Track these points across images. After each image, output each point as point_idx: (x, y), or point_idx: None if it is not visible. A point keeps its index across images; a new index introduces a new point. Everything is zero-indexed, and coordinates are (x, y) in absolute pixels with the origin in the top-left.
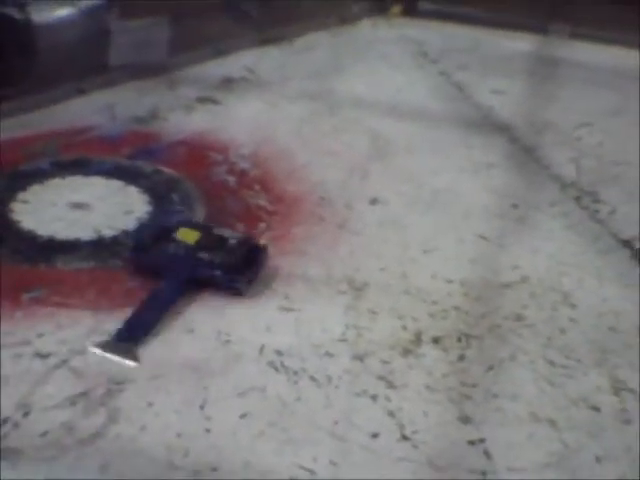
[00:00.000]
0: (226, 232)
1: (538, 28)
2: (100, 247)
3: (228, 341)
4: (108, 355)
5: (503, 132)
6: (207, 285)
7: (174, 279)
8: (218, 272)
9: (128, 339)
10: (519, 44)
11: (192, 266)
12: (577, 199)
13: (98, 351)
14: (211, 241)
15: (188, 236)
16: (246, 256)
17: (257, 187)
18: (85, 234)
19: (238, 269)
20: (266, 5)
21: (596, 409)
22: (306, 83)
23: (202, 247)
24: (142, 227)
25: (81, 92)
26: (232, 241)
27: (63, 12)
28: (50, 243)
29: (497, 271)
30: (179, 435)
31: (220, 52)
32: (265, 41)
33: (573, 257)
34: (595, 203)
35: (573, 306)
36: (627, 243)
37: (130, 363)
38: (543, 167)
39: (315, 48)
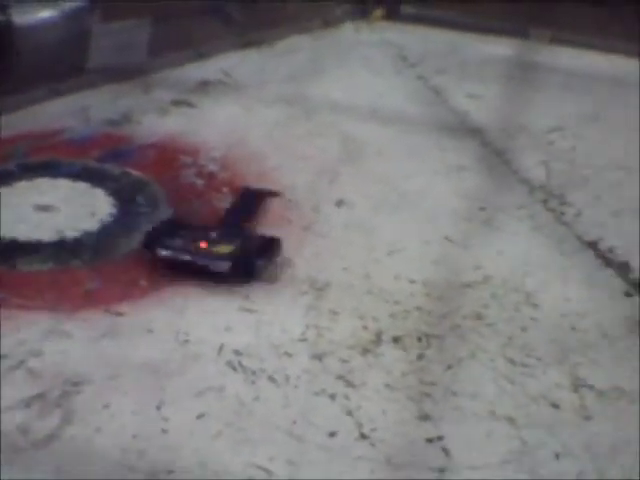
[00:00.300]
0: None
1: (519, 33)
2: (61, 249)
3: (187, 341)
4: None
5: (476, 136)
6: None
7: None
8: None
9: None
10: (499, 49)
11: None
12: (544, 202)
13: None
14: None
15: None
16: (255, 249)
17: (225, 189)
18: (47, 236)
19: (246, 261)
20: (250, 8)
21: (555, 406)
22: (284, 87)
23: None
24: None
25: (57, 94)
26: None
27: (45, 14)
28: (12, 245)
29: (460, 272)
30: (135, 436)
31: (200, 55)
32: (246, 44)
33: (537, 258)
34: (562, 206)
35: (535, 306)
36: (592, 245)
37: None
38: (513, 170)
39: (296, 52)
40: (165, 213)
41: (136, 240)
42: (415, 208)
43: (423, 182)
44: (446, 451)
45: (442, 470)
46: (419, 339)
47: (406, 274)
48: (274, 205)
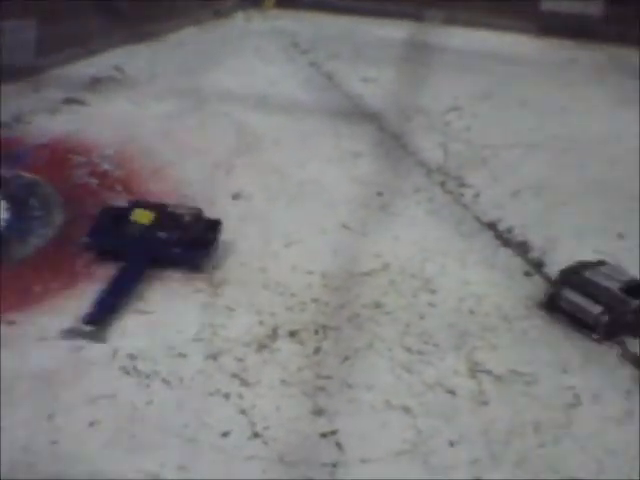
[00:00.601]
0: (180, 208)
1: (413, 15)
2: None
3: (80, 347)
4: (78, 340)
5: (372, 120)
6: (167, 263)
7: (134, 261)
8: (177, 250)
9: (95, 322)
10: (392, 31)
11: (151, 246)
12: (442, 184)
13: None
14: (166, 219)
15: (143, 217)
16: (202, 231)
17: (119, 188)
18: None
19: (196, 245)
20: (138, 1)
21: (452, 393)
22: (176, 80)
23: (158, 226)
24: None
25: None
26: (187, 218)
27: None
28: None
29: (358, 260)
30: (25, 450)
31: (90, 51)
32: (136, 39)
33: (436, 242)
34: (460, 187)
35: (433, 291)
36: (491, 225)
37: (99, 344)
38: (410, 153)
39: (187, 44)
40: (59, 215)
41: (30, 245)
42: (312, 197)
43: (319, 170)
44: (339, 445)
45: (334, 465)
46: (316, 332)
47: (303, 265)
48: (169, 201)
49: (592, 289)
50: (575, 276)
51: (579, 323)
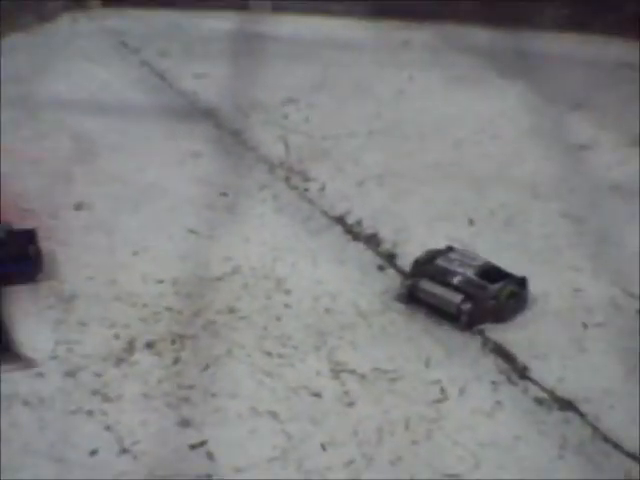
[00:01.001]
0: None
1: (239, 5)
2: None
3: None
4: None
5: (208, 118)
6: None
7: None
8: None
9: None
10: (220, 23)
11: None
12: (286, 179)
13: None
14: None
15: None
16: (23, 243)
17: None
18: None
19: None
20: None
21: (317, 395)
22: (6, 89)
23: None
24: None
25: None
26: (1, 234)
27: None
28: None
29: (208, 265)
30: None
31: None
32: None
33: (285, 241)
34: (305, 182)
35: (288, 292)
36: (339, 219)
37: None
38: (250, 149)
39: (14, 51)
40: None
41: None
42: (154, 202)
43: (159, 174)
44: (210, 456)
45: (209, 476)
46: (173, 342)
47: (153, 274)
48: (9, 216)
49: (449, 277)
50: (429, 266)
51: (440, 313)
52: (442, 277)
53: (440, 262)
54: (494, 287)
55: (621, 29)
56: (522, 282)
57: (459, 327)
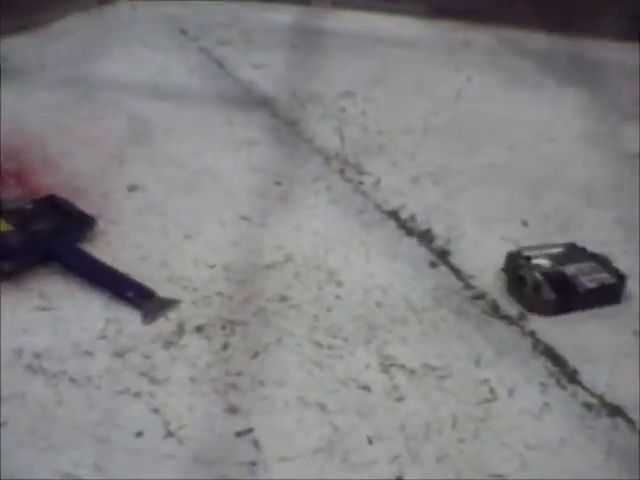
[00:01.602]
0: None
1: None
2: None
3: None
4: None
5: (265, 107)
6: None
7: None
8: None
9: None
10: (281, 16)
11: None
12: (341, 172)
13: None
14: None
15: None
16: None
17: (10, 181)
18: None
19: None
20: None
21: (366, 388)
22: (63, 69)
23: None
24: None
25: None
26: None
27: None
28: None
29: (260, 252)
30: None
31: None
32: (20, 28)
33: (338, 233)
34: (359, 175)
35: (339, 283)
36: (392, 214)
37: None
38: (306, 140)
39: (72, 32)
40: None
41: None
42: (208, 187)
43: (214, 159)
44: (256, 443)
45: (253, 463)
46: (223, 327)
47: (204, 258)
48: (62, 194)
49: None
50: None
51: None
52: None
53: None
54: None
55: None
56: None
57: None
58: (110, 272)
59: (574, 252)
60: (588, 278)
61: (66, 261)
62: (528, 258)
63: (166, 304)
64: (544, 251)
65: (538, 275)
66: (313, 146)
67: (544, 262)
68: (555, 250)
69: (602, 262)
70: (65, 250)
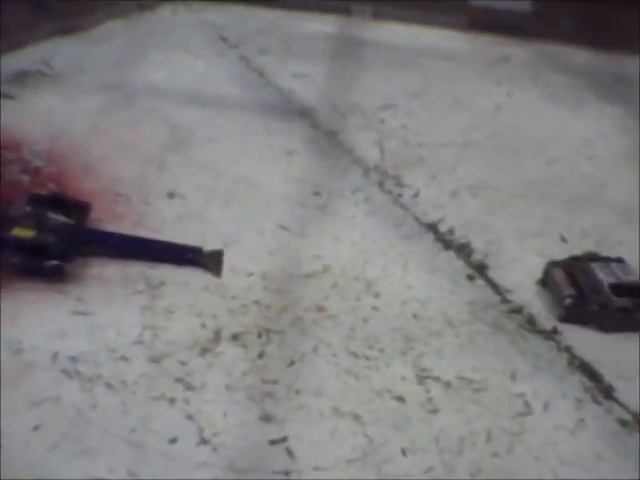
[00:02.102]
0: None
1: (340, 9)
2: None
3: (20, 349)
4: None
5: (305, 117)
6: None
7: None
8: None
9: None
10: (321, 26)
11: None
12: (380, 183)
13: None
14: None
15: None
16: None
17: (52, 185)
18: None
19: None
20: None
21: (401, 400)
22: (104, 74)
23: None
24: None
25: None
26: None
27: None
28: None
29: (298, 262)
30: None
31: (15, 44)
32: (63, 31)
33: (376, 244)
34: (398, 187)
35: (377, 294)
36: (431, 227)
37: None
38: (346, 151)
39: (113, 37)
40: None
41: None
42: (247, 196)
43: (253, 168)
44: (290, 452)
45: (286, 473)
46: (259, 335)
47: (243, 267)
48: (103, 200)
49: (581, 276)
50: (583, 263)
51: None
52: (579, 274)
53: (594, 264)
54: (609, 296)
55: None
56: None
57: (558, 317)
58: (157, 243)
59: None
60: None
61: (110, 245)
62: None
63: (217, 255)
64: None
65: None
66: (353, 157)
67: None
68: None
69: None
70: (102, 235)
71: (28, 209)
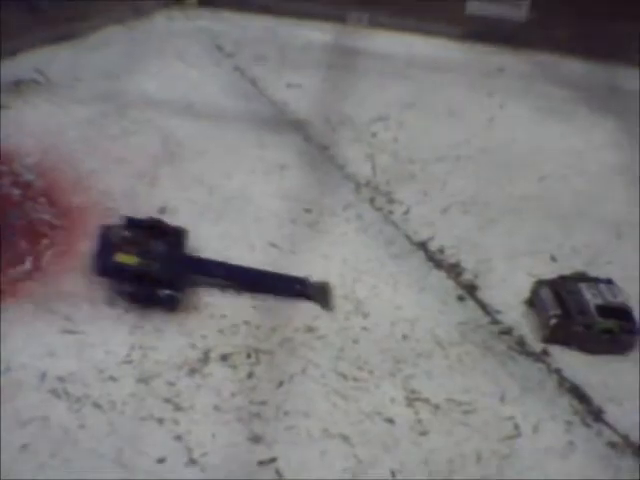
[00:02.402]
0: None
1: (336, 16)
2: None
3: (8, 369)
4: None
5: (298, 129)
6: None
7: None
8: None
9: None
10: (317, 34)
11: None
12: (371, 200)
13: None
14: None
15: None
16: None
17: (42, 200)
18: None
19: None
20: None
21: (390, 421)
22: (97, 83)
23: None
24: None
25: None
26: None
27: None
28: None
29: None
30: None
31: (9, 52)
32: (58, 38)
33: (367, 263)
34: (390, 204)
35: (366, 315)
36: (421, 245)
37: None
38: (338, 166)
39: (108, 45)
40: None
41: None
42: (238, 212)
43: (244, 183)
44: (279, 473)
45: None
46: (248, 355)
47: (233, 285)
48: (90, 214)
49: (569, 295)
50: (572, 282)
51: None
52: (566, 294)
53: (582, 285)
54: (595, 317)
55: None
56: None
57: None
58: (265, 273)
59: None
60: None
61: (217, 275)
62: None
63: (324, 287)
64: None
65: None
66: (344, 173)
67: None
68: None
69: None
70: (209, 265)
71: (127, 234)
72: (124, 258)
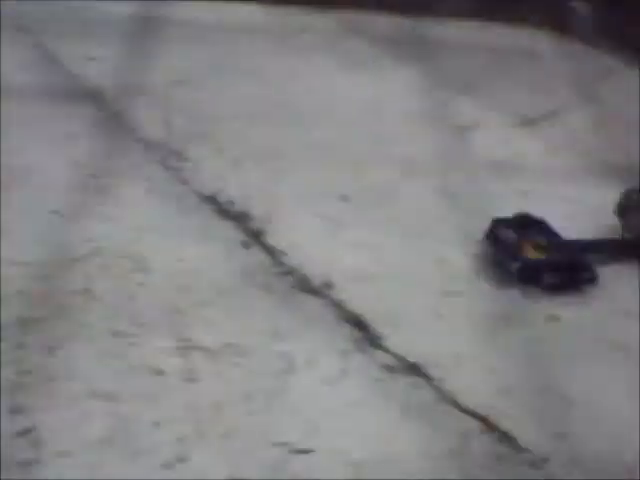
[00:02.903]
0: None
1: None
2: None
3: None
4: None
5: (93, 100)
6: None
7: None
8: None
9: None
10: (120, 7)
11: None
12: (162, 160)
13: None
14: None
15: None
16: None
17: None
18: None
19: None
20: None
21: (160, 373)
22: None
23: None
24: None
25: None
26: None
27: None
28: None
29: (68, 247)
30: None
31: None
32: None
33: (152, 221)
34: (181, 162)
35: (146, 271)
36: (211, 199)
37: None
38: (129, 131)
39: None
40: None
41: None
42: (23, 184)
43: (33, 156)
44: (37, 442)
45: (29, 463)
46: (20, 325)
47: (8, 257)
48: None
49: None
50: None
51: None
52: None
53: None
54: None
55: (524, 18)
56: None
57: None
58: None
59: None
60: None
61: None
62: None
63: None
64: None
65: None
66: (136, 136)
67: None
68: None
69: None
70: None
71: (512, 234)
72: (531, 253)
